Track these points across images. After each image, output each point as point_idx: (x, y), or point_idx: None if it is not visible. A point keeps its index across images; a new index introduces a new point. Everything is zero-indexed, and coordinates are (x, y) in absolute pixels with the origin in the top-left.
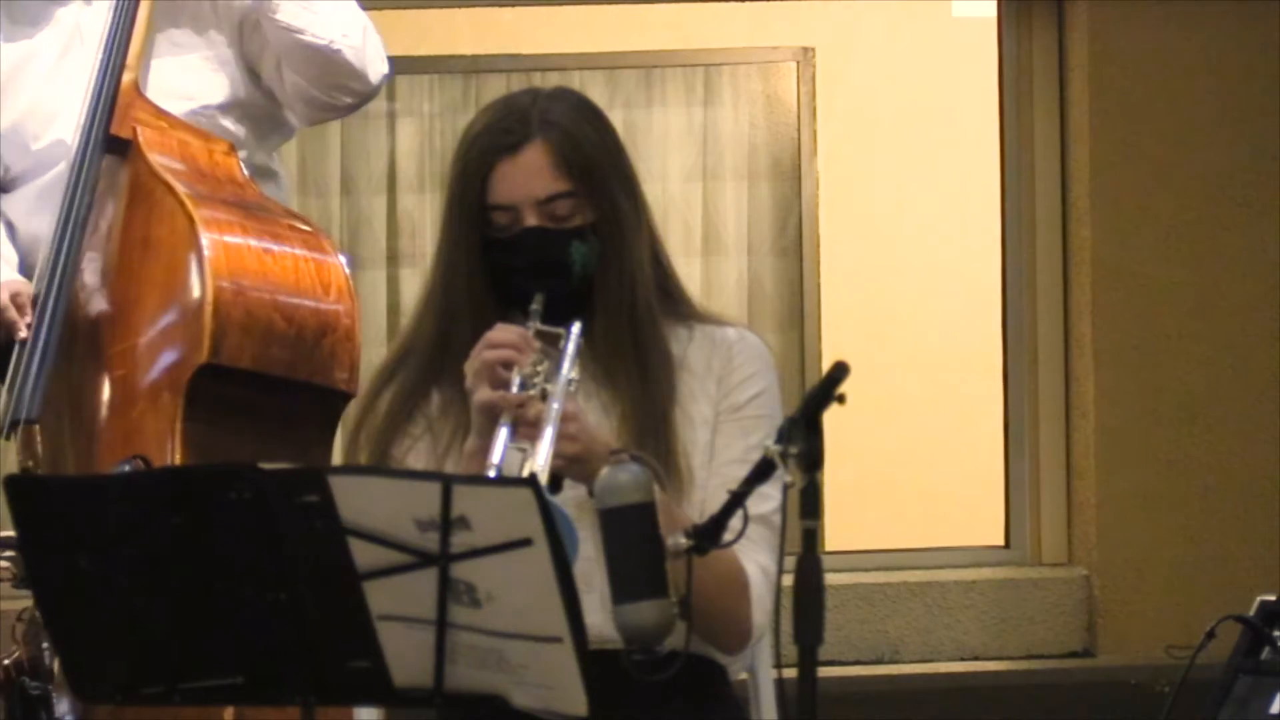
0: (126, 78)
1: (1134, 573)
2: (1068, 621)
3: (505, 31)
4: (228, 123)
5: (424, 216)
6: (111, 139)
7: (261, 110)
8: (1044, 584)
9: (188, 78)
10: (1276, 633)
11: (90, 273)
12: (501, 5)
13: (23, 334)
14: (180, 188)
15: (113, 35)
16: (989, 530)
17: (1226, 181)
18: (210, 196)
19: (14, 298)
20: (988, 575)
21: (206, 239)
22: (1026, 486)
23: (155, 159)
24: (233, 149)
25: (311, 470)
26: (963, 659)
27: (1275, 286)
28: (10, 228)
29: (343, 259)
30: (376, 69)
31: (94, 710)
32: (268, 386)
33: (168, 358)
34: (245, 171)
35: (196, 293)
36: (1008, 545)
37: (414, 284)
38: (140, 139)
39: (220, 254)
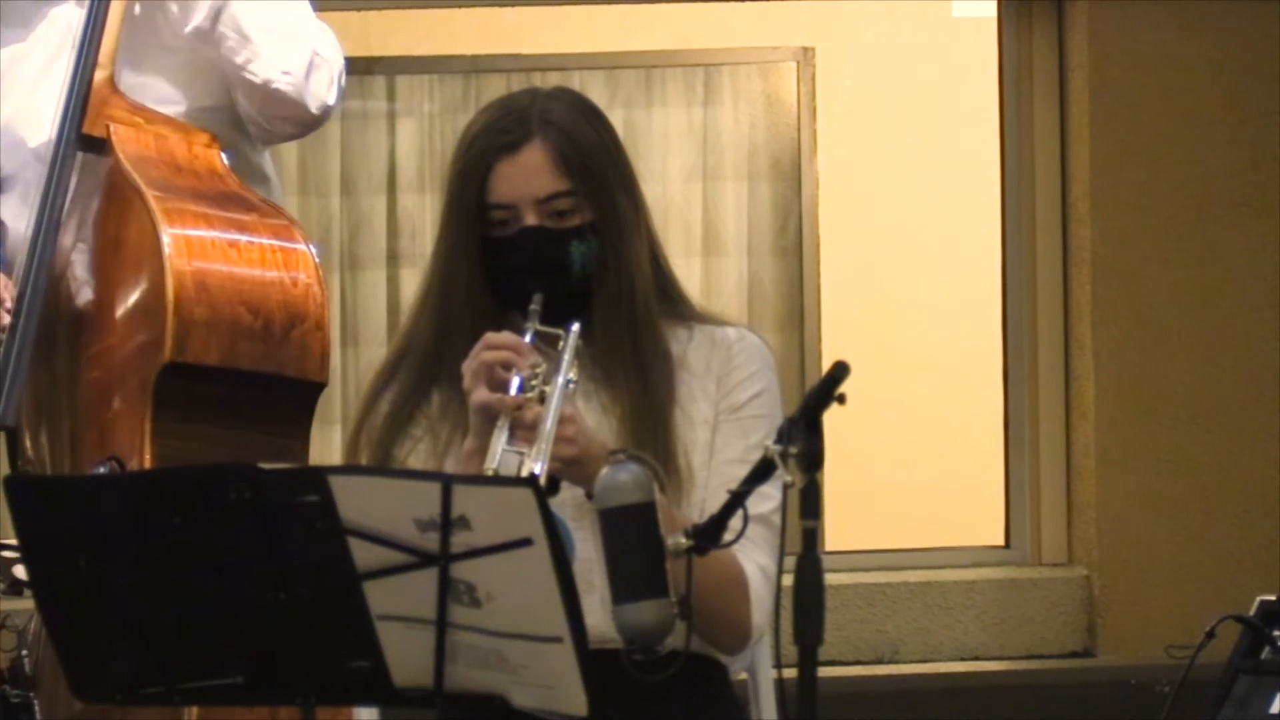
0: (99, 75)
1: (1134, 573)
2: (1068, 621)
3: (505, 31)
4: (215, 126)
5: (424, 216)
6: (85, 138)
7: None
8: (1044, 584)
9: (173, 80)
10: (1276, 633)
11: (75, 272)
12: (501, 5)
13: (4, 320)
14: (148, 188)
15: (85, 34)
16: (989, 530)
17: (1226, 181)
18: (180, 191)
19: None
20: (988, 575)
21: (168, 238)
22: (1026, 486)
23: (127, 158)
24: (214, 140)
25: (312, 470)
26: (963, 659)
27: (1275, 286)
28: (1, 227)
29: (313, 249)
30: (319, 101)
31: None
32: (238, 381)
33: (135, 359)
34: (227, 162)
35: (158, 293)
36: (1008, 545)
37: (414, 284)
38: (114, 137)
39: (182, 251)
